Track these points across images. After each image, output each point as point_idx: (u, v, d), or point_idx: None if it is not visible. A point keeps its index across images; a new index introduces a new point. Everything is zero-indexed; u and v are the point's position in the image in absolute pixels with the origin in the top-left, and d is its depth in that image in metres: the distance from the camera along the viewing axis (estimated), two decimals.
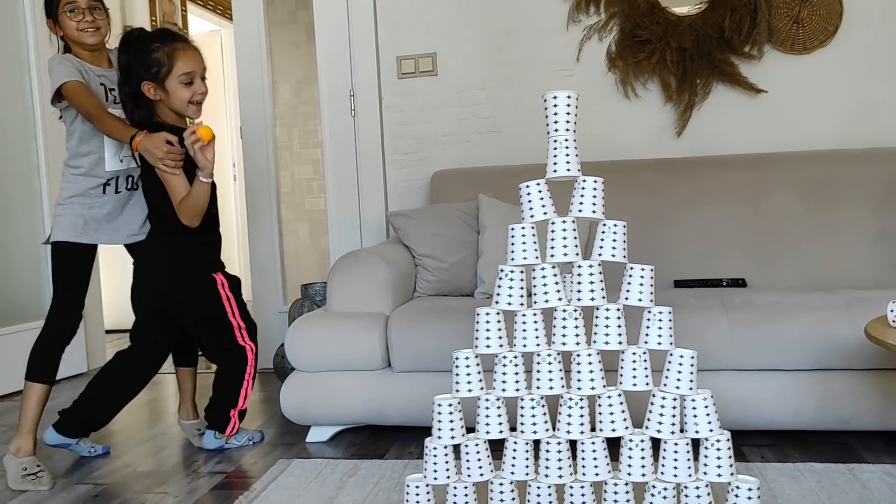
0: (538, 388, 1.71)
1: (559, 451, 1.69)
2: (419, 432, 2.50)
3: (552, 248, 1.70)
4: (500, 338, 1.73)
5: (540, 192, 1.71)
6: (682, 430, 1.70)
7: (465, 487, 1.74)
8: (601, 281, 1.70)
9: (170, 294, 2.39)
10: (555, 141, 1.70)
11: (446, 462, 1.74)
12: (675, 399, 1.67)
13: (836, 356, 2.23)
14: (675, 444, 1.66)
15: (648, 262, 1.75)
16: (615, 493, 1.69)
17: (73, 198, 2.35)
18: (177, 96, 2.26)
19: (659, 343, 1.69)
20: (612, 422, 1.69)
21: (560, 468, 1.69)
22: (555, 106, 1.69)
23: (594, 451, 1.68)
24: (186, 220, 2.28)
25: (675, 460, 1.66)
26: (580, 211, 1.70)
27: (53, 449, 2.50)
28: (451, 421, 1.73)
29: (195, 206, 2.27)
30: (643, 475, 1.67)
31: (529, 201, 1.72)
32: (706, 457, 1.67)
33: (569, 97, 1.69)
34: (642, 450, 1.67)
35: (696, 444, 1.70)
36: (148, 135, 2.21)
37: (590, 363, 1.69)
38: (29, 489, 2.23)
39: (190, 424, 2.63)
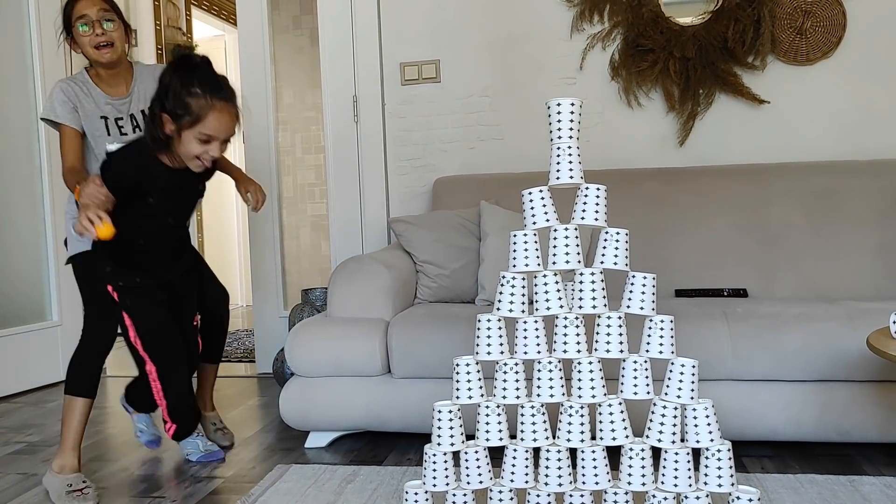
0: (538, 395, 1.70)
1: (559, 459, 1.68)
2: (418, 439, 2.49)
3: (554, 255, 1.70)
4: (501, 345, 1.73)
5: (542, 198, 1.71)
6: (682, 440, 1.69)
7: (465, 495, 1.73)
8: (602, 289, 1.69)
9: None
10: (558, 148, 1.70)
11: (445, 469, 1.73)
12: (675, 408, 1.67)
13: (837, 367, 2.22)
14: (676, 453, 1.65)
15: (650, 271, 1.74)
16: (615, 502, 1.68)
17: None
18: (186, 146, 2.08)
19: (660, 352, 1.69)
20: (613, 430, 1.68)
21: (560, 476, 1.68)
22: (558, 113, 1.69)
23: (594, 459, 1.68)
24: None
25: (676, 470, 1.65)
26: (582, 218, 1.70)
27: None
28: (451, 428, 1.72)
29: None
30: (643, 484, 1.66)
31: (532, 208, 1.72)
32: (707, 466, 1.66)
33: (572, 104, 1.68)
34: (642, 459, 1.67)
35: (696, 453, 1.69)
36: (84, 182, 2.06)
37: (590, 371, 1.68)
38: None
39: (208, 415, 2.64)
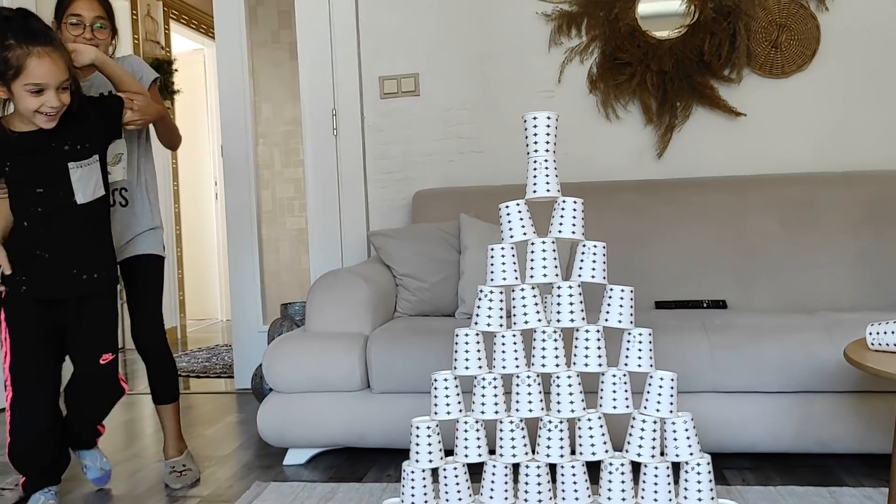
0: (517, 410, 1.69)
1: (538, 475, 1.67)
2: (399, 454, 2.47)
3: (532, 268, 1.69)
4: (480, 359, 1.71)
5: (520, 212, 1.71)
6: (662, 454, 1.68)
7: None
8: (581, 302, 1.69)
9: None
10: (534, 161, 1.70)
11: (424, 486, 1.71)
12: (655, 422, 1.66)
13: (816, 379, 2.23)
14: (656, 467, 1.64)
15: (629, 284, 1.74)
16: None
17: None
18: (22, 103, 1.96)
19: (639, 365, 1.68)
20: (592, 445, 1.67)
21: (539, 492, 1.67)
22: (535, 127, 1.69)
23: (574, 474, 1.67)
24: None
25: (656, 484, 1.64)
26: (560, 232, 1.69)
27: None
28: (430, 444, 1.71)
29: None
30: (623, 500, 1.65)
31: (509, 222, 1.71)
32: (686, 481, 1.65)
33: (548, 118, 1.68)
34: (622, 473, 1.66)
35: (676, 467, 1.69)
36: None
37: (569, 385, 1.67)
38: None
39: (165, 463, 2.46)
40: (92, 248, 2.14)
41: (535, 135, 1.69)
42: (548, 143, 1.69)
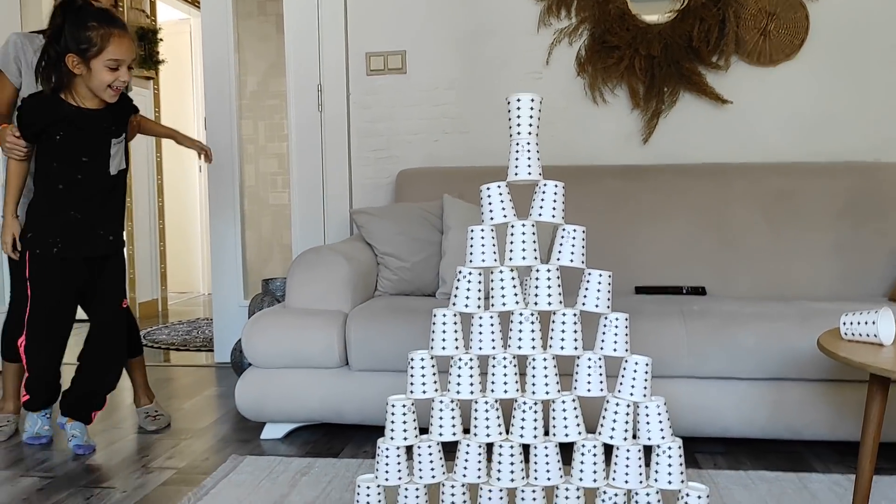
0: (493, 391, 1.70)
1: (512, 455, 1.68)
2: (375, 431, 2.48)
3: (511, 251, 1.69)
4: (457, 340, 1.72)
5: (500, 194, 1.71)
6: (634, 437, 1.70)
7: (417, 489, 1.73)
8: (559, 286, 1.69)
9: None
10: (517, 144, 1.70)
11: (398, 463, 1.72)
12: (628, 405, 1.67)
13: (789, 366, 2.26)
14: (627, 450, 1.66)
15: (611, 268, 1.75)
16: (566, 497, 1.69)
17: None
18: (98, 77, 2.27)
19: (615, 349, 1.69)
20: (566, 427, 1.68)
21: (512, 472, 1.68)
22: (518, 108, 1.68)
23: (546, 455, 1.68)
24: None
25: (627, 466, 1.66)
26: (540, 215, 1.69)
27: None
28: (405, 422, 1.71)
29: None
30: (594, 481, 1.67)
31: (490, 203, 1.71)
32: (657, 464, 1.67)
33: (532, 100, 1.68)
34: (594, 455, 1.67)
35: (648, 450, 1.71)
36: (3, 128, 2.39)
37: (545, 367, 1.68)
38: None
39: (138, 410, 2.77)
40: (113, 212, 2.47)
41: (519, 117, 1.68)
42: (531, 125, 1.69)
